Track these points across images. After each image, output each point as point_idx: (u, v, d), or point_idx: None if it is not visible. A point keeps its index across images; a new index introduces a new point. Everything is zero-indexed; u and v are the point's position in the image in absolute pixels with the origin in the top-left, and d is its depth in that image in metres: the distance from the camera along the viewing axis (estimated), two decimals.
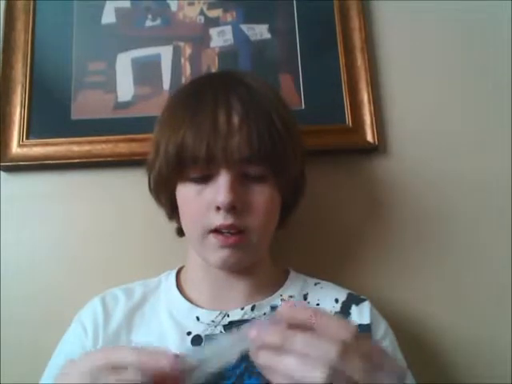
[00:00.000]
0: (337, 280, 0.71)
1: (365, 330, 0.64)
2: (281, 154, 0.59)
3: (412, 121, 0.87)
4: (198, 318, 0.62)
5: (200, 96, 0.60)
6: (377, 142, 0.84)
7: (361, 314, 0.65)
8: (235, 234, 0.58)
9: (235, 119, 0.57)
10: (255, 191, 0.59)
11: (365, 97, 0.85)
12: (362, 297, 0.68)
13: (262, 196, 0.59)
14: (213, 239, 0.58)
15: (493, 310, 0.81)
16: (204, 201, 0.58)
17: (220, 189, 0.56)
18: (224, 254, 0.59)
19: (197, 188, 0.59)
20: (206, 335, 0.61)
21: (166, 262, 0.72)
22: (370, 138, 0.84)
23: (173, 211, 0.65)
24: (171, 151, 0.57)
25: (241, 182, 0.58)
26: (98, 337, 0.62)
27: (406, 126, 0.87)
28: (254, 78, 0.64)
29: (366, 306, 0.66)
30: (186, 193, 0.60)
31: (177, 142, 0.57)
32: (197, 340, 0.60)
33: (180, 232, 0.72)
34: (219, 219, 0.57)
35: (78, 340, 0.63)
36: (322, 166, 0.84)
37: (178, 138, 0.57)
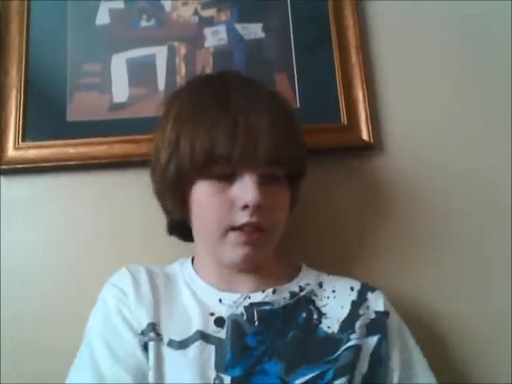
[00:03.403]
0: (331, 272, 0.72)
1: (381, 316, 0.65)
2: (301, 157, 0.64)
3: (407, 118, 0.87)
4: (220, 300, 0.63)
5: (224, 95, 0.61)
6: (372, 140, 0.84)
7: (376, 301, 0.66)
8: (257, 231, 0.59)
9: (264, 123, 0.59)
10: (274, 192, 0.61)
11: (360, 94, 0.85)
12: (374, 286, 0.69)
13: (280, 196, 0.63)
14: (235, 236, 0.59)
15: (494, 305, 0.81)
16: (228, 199, 0.59)
17: (249, 188, 0.58)
18: (245, 250, 0.60)
19: (219, 186, 0.60)
20: (228, 316, 0.62)
21: (163, 262, 0.72)
22: (365, 136, 0.84)
23: (184, 211, 0.65)
24: (200, 147, 0.58)
25: (263, 183, 0.60)
26: (131, 301, 0.62)
27: (401, 124, 0.87)
28: (263, 82, 0.68)
29: (380, 294, 0.68)
30: (207, 190, 0.60)
31: (208, 139, 0.58)
32: (219, 322, 0.61)
33: (172, 230, 0.73)
34: (244, 217, 0.58)
35: (120, 302, 0.62)
36: (318, 165, 0.84)
37: (209, 135, 0.58)
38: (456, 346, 0.80)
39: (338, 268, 0.80)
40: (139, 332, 0.60)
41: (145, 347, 0.59)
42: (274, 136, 0.59)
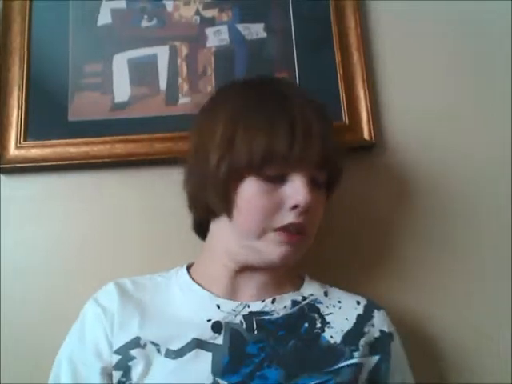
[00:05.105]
0: (335, 278, 0.72)
1: (385, 337, 0.65)
2: (341, 163, 0.66)
3: (409, 117, 0.87)
4: (218, 306, 0.63)
5: (282, 98, 0.63)
6: (374, 140, 0.84)
7: (381, 320, 0.67)
8: (298, 233, 0.61)
9: (317, 126, 0.61)
10: (317, 197, 0.63)
11: (361, 94, 0.85)
12: (379, 305, 0.69)
13: (320, 201, 0.64)
14: (276, 236, 0.60)
15: (494, 308, 0.81)
16: (277, 199, 0.60)
17: (300, 189, 0.59)
18: (284, 250, 0.61)
19: (269, 186, 0.60)
20: (226, 322, 0.61)
21: (163, 262, 0.72)
22: (366, 135, 0.84)
23: (228, 207, 0.63)
24: (257, 147, 0.59)
25: (310, 186, 0.61)
26: (114, 320, 0.62)
27: (402, 123, 0.87)
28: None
29: (384, 313, 0.68)
30: (257, 190, 0.61)
31: (266, 139, 0.59)
32: (217, 326, 0.61)
33: (197, 228, 0.72)
34: (291, 217, 0.60)
35: (98, 322, 0.62)
36: None
37: (267, 135, 0.59)
38: (452, 349, 0.79)
39: (337, 267, 0.80)
40: (113, 351, 0.60)
41: (117, 367, 0.59)
42: (325, 140, 0.61)
